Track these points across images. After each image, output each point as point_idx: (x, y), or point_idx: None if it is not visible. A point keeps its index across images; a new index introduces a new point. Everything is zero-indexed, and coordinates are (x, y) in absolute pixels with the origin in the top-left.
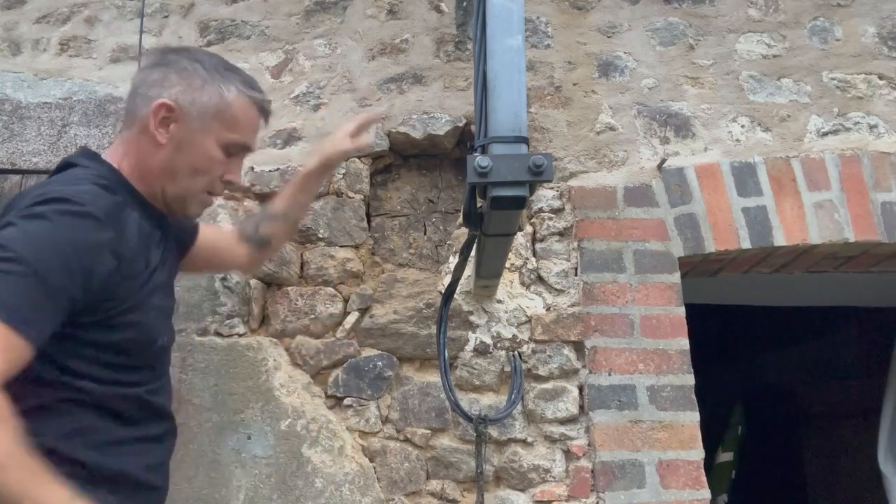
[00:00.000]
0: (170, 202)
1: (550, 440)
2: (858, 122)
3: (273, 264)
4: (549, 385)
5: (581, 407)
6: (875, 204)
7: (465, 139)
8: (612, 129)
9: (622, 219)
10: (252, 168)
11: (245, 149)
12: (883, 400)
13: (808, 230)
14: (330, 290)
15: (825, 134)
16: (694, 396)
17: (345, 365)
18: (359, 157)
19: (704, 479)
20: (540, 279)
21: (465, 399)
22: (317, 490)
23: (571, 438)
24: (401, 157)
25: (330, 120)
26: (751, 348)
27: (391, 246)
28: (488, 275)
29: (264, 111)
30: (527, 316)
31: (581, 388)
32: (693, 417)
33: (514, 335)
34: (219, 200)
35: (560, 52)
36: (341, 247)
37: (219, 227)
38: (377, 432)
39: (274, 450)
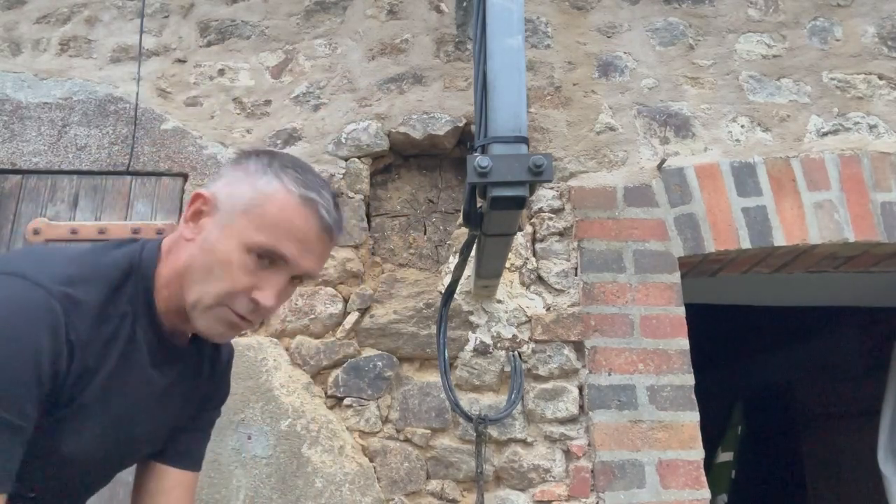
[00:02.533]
0: (189, 314)
1: (550, 440)
2: (858, 122)
3: None
4: (549, 385)
5: (581, 407)
6: (875, 204)
7: (465, 139)
8: (612, 129)
9: (622, 219)
10: None
11: (280, 260)
12: (883, 400)
13: (808, 230)
14: (330, 290)
15: (825, 134)
16: (694, 396)
17: (345, 365)
18: (359, 157)
19: (704, 478)
20: (540, 279)
21: (465, 399)
22: (317, 490)
23: (571, 438)
24: (401, 157)
25: (330, 120)
26: (751, 348)
27: (391, 246)
28: (488, 275)
29: (321, 219)
30: (527, 316)
31: (581, 388)
32: (693, 417)
33: (514, 335)
34: None
35: (560, 52)
36: (341, 247)
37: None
38: (377, 432)
39: (274, 450)
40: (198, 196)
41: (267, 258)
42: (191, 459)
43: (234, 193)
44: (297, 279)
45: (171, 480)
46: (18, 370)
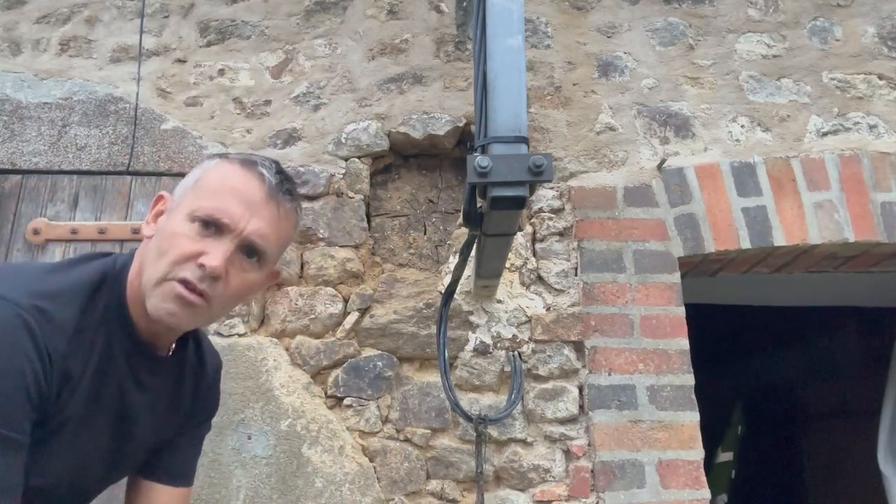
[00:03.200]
0: (146, 304)
1: (550, 440)
2: (858, 122)
3: None
4: (549, 385)
5: (581, 407)
6: (875, 204)
7: (465, 139)
8: (612, 129)
9: (622, 219)
10: None
11: (225, 226)
12: (883, 400)
13: (808, 230)
14: (330, 290)
15: (825, 134)
16: (694, 396)
17: (345, 365)
18: (359, 157)
19: (704, 478)
20: (540, 279)
21: (465, 399)
22: (317, 490)
23: (571, 438)
24: (401, 157)
25: (330, 120)
26: (751, 348)
27: (391, 246)
28: (488, 275)
29: (262, 178)
30: (527, 316)
31: (581, 388)
32: (693, 417)
33: (514, 335)
34: None
35: (560, 52)
36: (341, 247)
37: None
38: (377, 432)
39: (274, 450)
40: (159, 197)
41: (212, 225)
42: (181, 475)
43: (185, 182)
44: (251, 250)
45: (162, 498)
46: (10, 385)
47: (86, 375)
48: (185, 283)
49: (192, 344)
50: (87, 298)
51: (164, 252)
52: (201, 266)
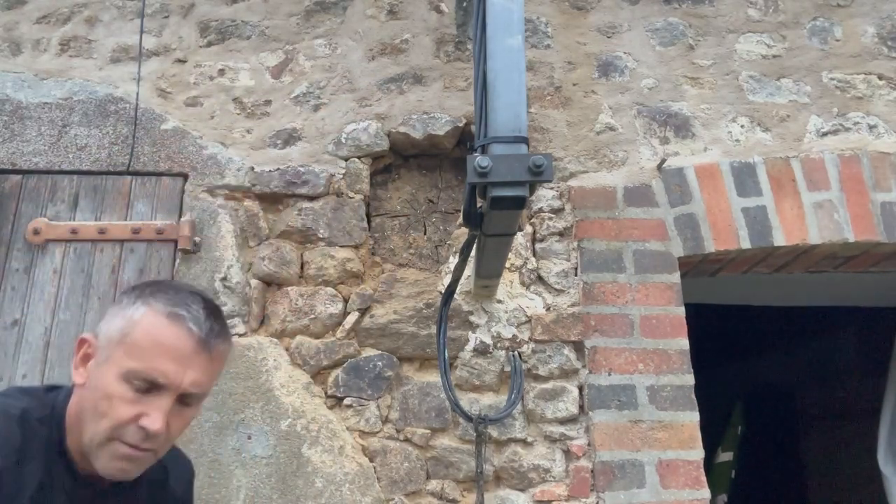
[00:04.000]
0: (89, 458)
1: (550, 440)
2: (858, 123)
3: (273, 264)
4: (549, 385)
5: (581, 407)
6: (875, 204)
7: (465, 139)
8: (611, 129)
9: (622, 219)
10: (252, 168)
11: (159, 383)
12: (883, 400)
13: (808, 230)
14: (330, 290)
15: (825, 134)
16: (694, 396)
17: (345, 365)
18: (359, 157)
19: (704, 478)
20: (540, 279)
21: (465, 399)
22: (317, 490)
23: (571, 438)
24: (401, 157)
25: (330, 120)
26: (751, 348)
27: (391, 246)
28: (488, 275)
29: (191, 332)
30: (527, 316)
31: (581, 388)
32: (693, 417)
33: (514, 335)
34: (218, 200)
35: (560, 52)
36: (341, 247)
37: None
38: (377, 432)
39: (274, 450)
40: (83, 341)
41: (146, 383)
42: None
43: (110, 329)
44: (189, 398)
45: None
46: None
47: None
48: (130, 445)
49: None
50: (31, 431)
51: (104, 414)
52: (143, 429)
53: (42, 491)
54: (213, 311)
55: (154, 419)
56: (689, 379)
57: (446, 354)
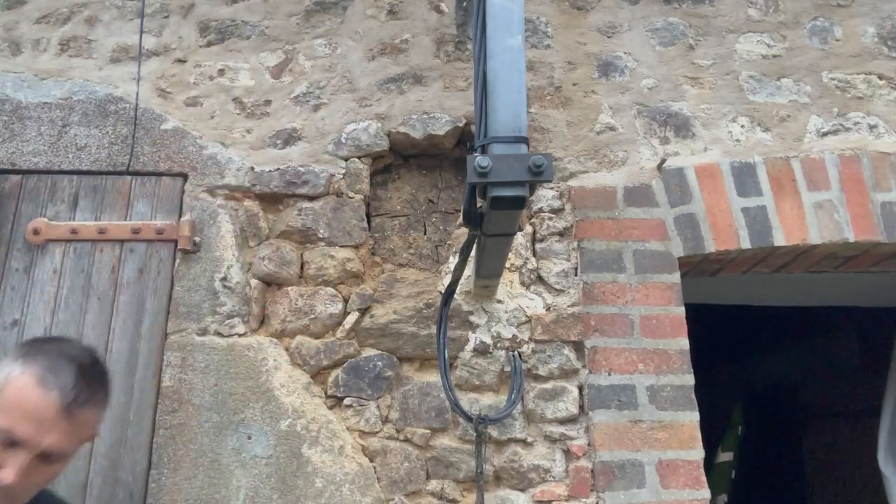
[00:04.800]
0: None
1: (550, 440)
2: (858, 122)
3: (273, 264)
4: (549, 385)
5: (581, 407)
6: (875, 204)
7: (465, 139)
8: (612, 129)
9: (622, 219)
10: (252, 168)
11: (15, 441)
12: (883, 400)
13: (808, 230)
14: (330, 290)
15: (825, 134)
16: (694, 396)
17: (345, 365)
18: (359, 157)
19: (704, 478)
20: (540, 279)
21: (465, 399)
22: (317, 490)
23: (571, 438)
24: (401, 157)
25: (330, 120)
26: (751, 348)
27: (391, 246)
28: (488, 275)
29: (57, 398)
30: (527, 316)
31: (581, 388)
32: (693, 417)
33: (514, 335)
34: (218, 200)
35: (560, 52)
36: (341, 247)
37: None
38: (377, 432)
39: (274, 450)
40: None
41: (8, 439)
42: None
43: None
44: (50, 456)
45: None
46: None
47: None
48: None
49: None
50: None
51: None
52: None
53: None
54: (89, 378)
55: (7, 474)
56: (689, 379)
57: (446, 354)
